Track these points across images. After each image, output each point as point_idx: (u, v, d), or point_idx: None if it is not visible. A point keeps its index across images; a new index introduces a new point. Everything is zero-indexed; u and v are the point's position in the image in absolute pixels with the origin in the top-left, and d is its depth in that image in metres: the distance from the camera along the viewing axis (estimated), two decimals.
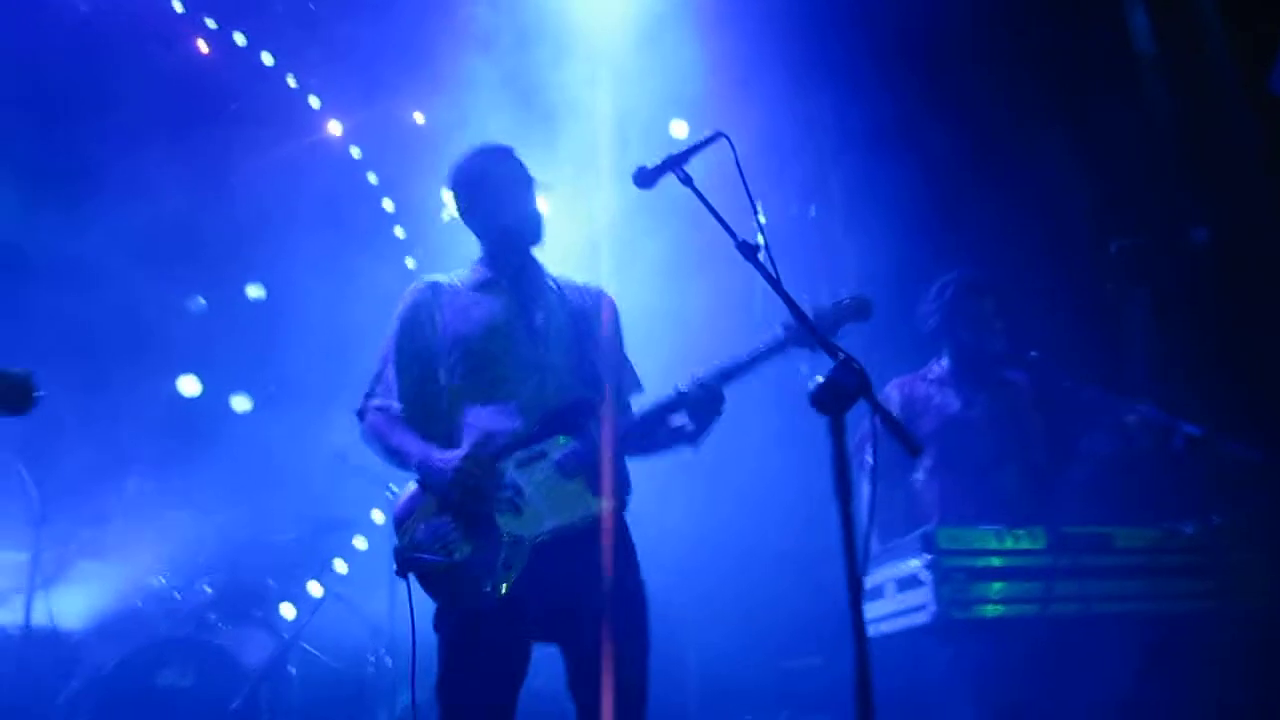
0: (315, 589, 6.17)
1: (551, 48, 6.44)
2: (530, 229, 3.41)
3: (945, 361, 4.64)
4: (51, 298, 6.16)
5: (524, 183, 3.40)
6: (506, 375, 3.20)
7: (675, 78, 6.26)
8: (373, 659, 5.85)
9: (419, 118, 7.39)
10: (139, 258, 6.56)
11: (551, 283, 3.45)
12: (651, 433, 3.17)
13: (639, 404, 3.26)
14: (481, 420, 3.15)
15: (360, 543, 6.93)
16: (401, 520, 3.09)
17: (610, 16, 6.47)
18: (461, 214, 3.48)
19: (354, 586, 6.17)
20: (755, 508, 5.90)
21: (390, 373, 3.30)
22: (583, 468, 3.08)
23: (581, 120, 6.23)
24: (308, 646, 5.80)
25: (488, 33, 6.47)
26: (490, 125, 6.43)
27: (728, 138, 2.89)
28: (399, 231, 7.70)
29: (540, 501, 3.03)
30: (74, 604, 5.53)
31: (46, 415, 5.22)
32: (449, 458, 3.04)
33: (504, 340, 3.25)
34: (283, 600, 5.97)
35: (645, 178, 2.91)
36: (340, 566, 6.84)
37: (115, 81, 6.62)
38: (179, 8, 7.16)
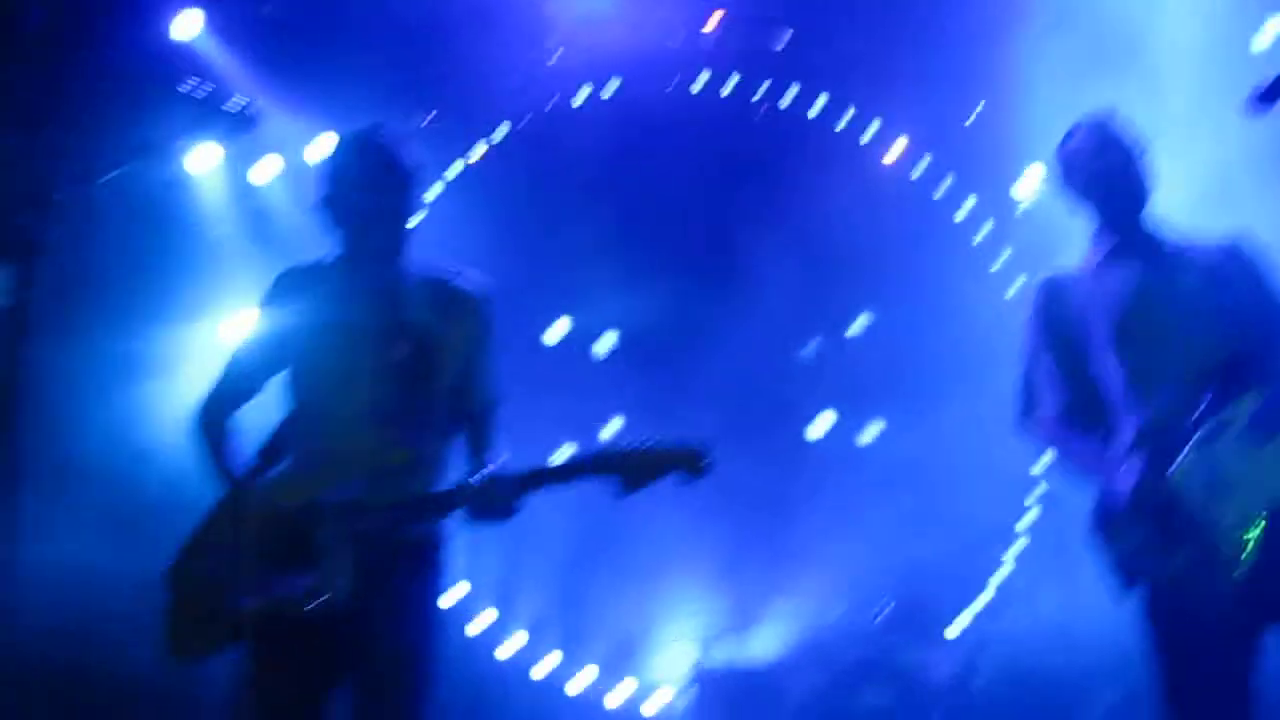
0: (984, 600, 6.18)
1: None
2: (1139, 194, 3.17)
3: None
4: (689, 371, 6.91)
5: (1122, 145, 3.18)
6: (1158, 345, 2.99)
7: None
8: (1063, 664, 5.70)
9: (977, 114, 7.26)
10: (753, 319, 7.15)
11: (1179, 242, 3.19)
12: None
13: None
14: (1143, 399, 2.95)
15: (1018, 548, 6.83)
16: (1103, 530, 2.91)
17: None
18: (1066, 183, 3.30)
19: (1025, 593, 6.08)
20: None
21: (1038, 374, 3.20)
22: (1277, 422, 2.76)
23: (1161, 60, 5.71)
24: (992, 658, 5.80)
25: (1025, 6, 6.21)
26: (1055, 92, 6.16)
27: None
28: (982, 231, 7.60)
29: (1242, 475, 2.73)
30: (773, 638, 6.10)
31: (712, 474, 5.93)
32: (1127, 482, 2.81)
33: (1147, 310, 3.04)
34: (957, 614, 6.05)
35: (1263, 99, 2.60)
36: (1003, 575, 6.80)
37: (695, 164, 7.35)
38: (730, 86, 7.76)
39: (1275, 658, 2.96)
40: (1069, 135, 3.29)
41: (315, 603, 2.65)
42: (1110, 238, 3.20)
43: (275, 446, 3.02)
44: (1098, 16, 5.95)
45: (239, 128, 2.70)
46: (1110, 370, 3.05)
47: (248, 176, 6.39)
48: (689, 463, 2.77)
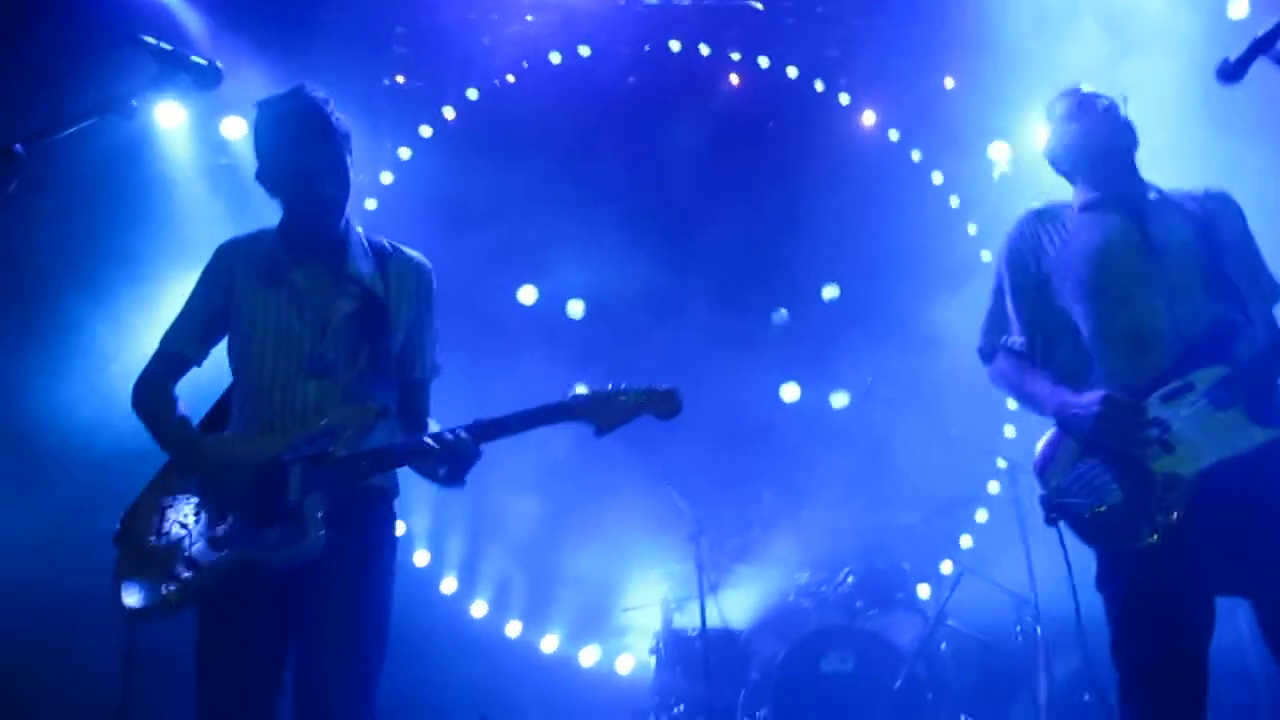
0: (947, 567, 6.25)
1: None
2: (1119, 140, 3.19)
3: None
4: (659, 337, 6.91)
5: (1099, 108, 3.21)
6: (1130, 298, 2.99)
7: None
8: (1019, 629, 5.78)
9: (949, 83, 7.26)
10: (723, 285, 7.17)
11: (1164, 196, 3.19)
12: None
13: None
14: (1110, 351, 2.99)
15: (981, 515, 6.90)
16: (1044, 468, 3.01)
17: None
18: (1050, 160, 3.37)
19: (986, 560, 6.15)
20: None
21: (1007, 306, 3.24)
22: (1238, 395, 2.81)
23: (1118, 29, 5.72)
24: (954, 623, 5.87)
25: None
26: (1025, 67, 6.17)
27: None
28: (954, 201, 7.61)
29: (1194, 436, 2.80)
30: (738, 604, 6.15)
31: (682, 441, 5.95)
32: (1086, 402, 2.90)
33: (1122, 261, 3.05)
34: (919, 581, 6.12)
35: (1231, 71, 2.62)
36: (966, 542, 6.88)
37: (669, 131, 7.31)
38: (705, 50, 7.72)
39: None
40: (1057, 98, 3.32)
41: (287, 555, 2.64)
42: (1094, 188, 3.22)
43: (220, 415, 3.00)
44: None
45: (205, 83, 2.64)
46: (1074, 305, 3.08)
47: (218, 132, 6.34)
48: (661, 403, 2.85)
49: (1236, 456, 2.76)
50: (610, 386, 2.87)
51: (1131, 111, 3.22)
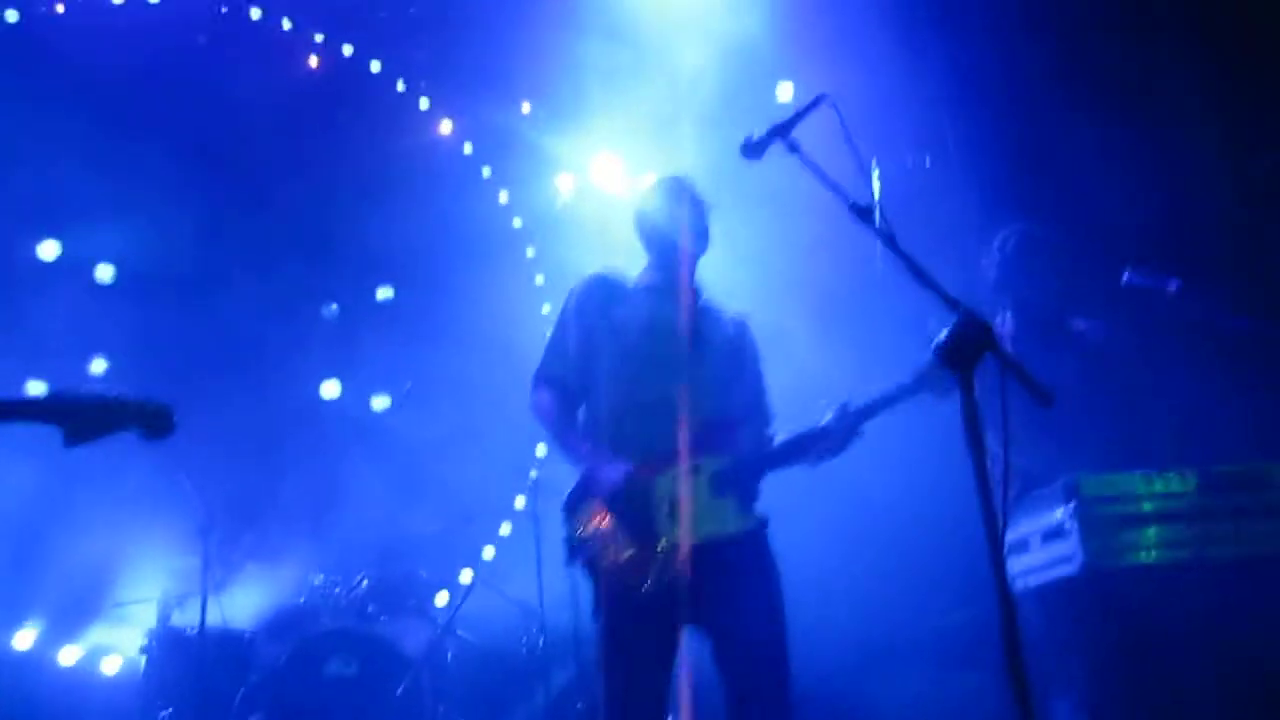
0: (465, 576, 6.37)
1: (651, 25, 6.42)
2: (696, 245, 3.55)
3: (1009, 318, 4.48)
4: (194, 315, 6.50)
5: (692, 203, 3.55)
6: (661, 379, 3.36)
7: (775, 39, 6.19)
8: (525, 640, 6.01)
9: (525, 108, 7.47)
10: (272, 271, 6.86)
11: (710, 303, 3.62)
12: (788, 457, 3.36)
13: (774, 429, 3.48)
14: (633, 419, 3.34)
15: (505, 529, 7.11)
16: (572, 509, 3.34)
17: None
18: (637, 227, 3.66)
19: (503, 572, 6.34)
20: (898, 465, 5.80)
21: (562, 345, 3.51)
22: (732, 485, 3.29)
23: (687, 95, 6.20)
24: (462, 632, 5.99)
25: (585, 19, 6.49)
26: (593, 110, 6.50)
27: (832, 102, 2.87)
28: (516, 222, 7.81)
29: (693, 513, 3.21)
30: (243, 604, 5.88)
31: (202, 427, 5.60)
32: (613, 478, 3.24)
33: (663, 344, 3.42)
34: (436, 589, 6.19)
35: (752, 149, 2.92)
36: (488, 553, 7.05)
37: (235, 102, 6.90)
38: (287, 25, 7.40)
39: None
40: (665, 178, 3.66)
41: None
42: (660, 271, 3.59)
43: None
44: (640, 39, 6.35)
45: None
46: (618, 366, 3.41)
47: None
48: (151, 422, 2.51)
49: (723, 536, 3.23)
50: (94, 391, 2.48)
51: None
